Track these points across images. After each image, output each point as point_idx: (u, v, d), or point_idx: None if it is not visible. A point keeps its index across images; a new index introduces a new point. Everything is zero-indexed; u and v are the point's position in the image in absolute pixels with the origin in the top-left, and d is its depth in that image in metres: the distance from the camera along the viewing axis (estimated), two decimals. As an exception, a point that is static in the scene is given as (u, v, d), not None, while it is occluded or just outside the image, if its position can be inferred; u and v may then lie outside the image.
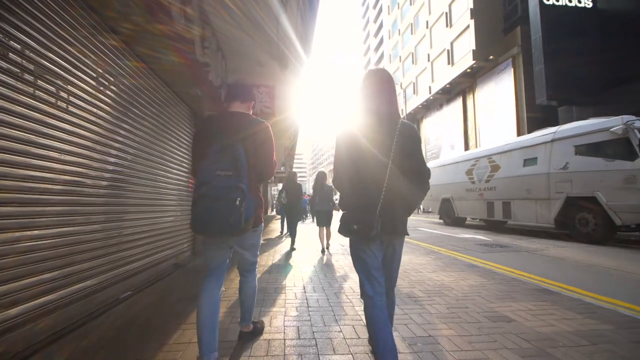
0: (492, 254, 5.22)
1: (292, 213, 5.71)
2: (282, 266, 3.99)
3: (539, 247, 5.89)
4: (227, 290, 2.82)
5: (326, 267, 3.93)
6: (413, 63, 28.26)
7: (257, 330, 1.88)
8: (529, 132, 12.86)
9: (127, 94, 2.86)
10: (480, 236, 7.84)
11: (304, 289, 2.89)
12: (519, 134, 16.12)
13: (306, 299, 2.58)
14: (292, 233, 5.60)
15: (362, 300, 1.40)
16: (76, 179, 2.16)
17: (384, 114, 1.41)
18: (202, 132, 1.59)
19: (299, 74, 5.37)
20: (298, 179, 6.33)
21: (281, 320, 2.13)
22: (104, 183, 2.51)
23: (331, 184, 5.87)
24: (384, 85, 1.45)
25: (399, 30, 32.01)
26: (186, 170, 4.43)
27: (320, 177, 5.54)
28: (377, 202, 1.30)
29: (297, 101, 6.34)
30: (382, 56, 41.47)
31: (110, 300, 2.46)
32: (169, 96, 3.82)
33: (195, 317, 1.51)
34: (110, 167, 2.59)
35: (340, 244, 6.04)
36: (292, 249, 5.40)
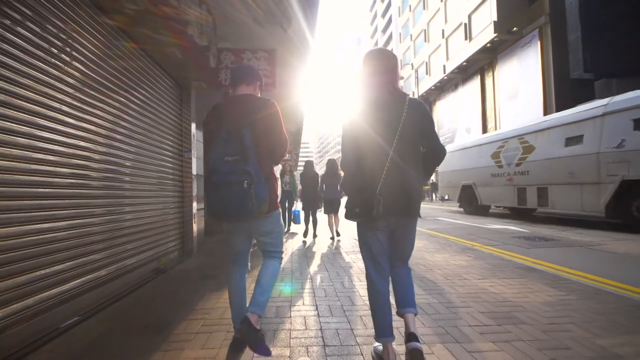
0: (538, 249, 4.33)
1: (310, 203, 5.49)
2: (287, 272, 3.23)
3: (593, 241, 4.94)
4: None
5: (343, 271, 3.15)
6: (425, 41, 26.41)
7: (256, 337, 1.38)
8: (559, 111, 11.45)
9: (89, 58, 2.05)
10: (513, 227, 6.91)
11: (317, 309, 2.11)
12: (546, 113, 14.67)
13: (321, 329, 1.80)
14: (313, 221, 5.53)
15: (366, 282, 1.47)
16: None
17: (386, 94, 1.37)
18: (211, 121, 1.52)
19: (303, 58, 4.76)
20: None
21: (283, 376, 1.36)
22: (45, 169, 1.76)
23: (340, 172, 5.31)
24: (384, 61, 1.39)
25: (410, 7, 29.92)
26: (171, 154, 3.66)
27: (332, 165, 5.42)
28: (377, 183, 1.30)
29: (301, 79, 5.79)
30: (390, 37, 39.39)
31: (44, 332, 1.75)
32: (142, 61, 3.00)
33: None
34: (65, 151, 1.83)
35: (354, 239, 5.27)
36: (315, 235, 5.51)
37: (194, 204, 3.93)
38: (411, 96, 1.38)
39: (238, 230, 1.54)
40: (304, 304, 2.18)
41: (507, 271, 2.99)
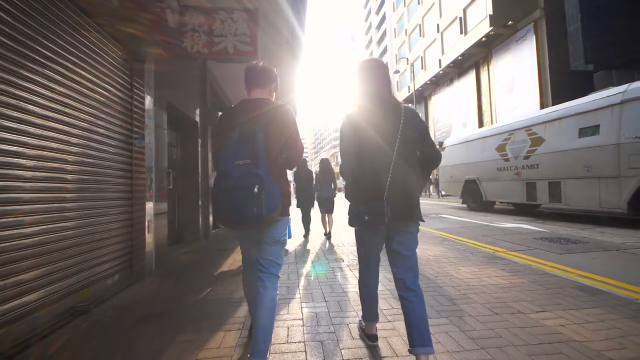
0: (574, 255, 3.64)
1: (305, 200, 5.38)
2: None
3: (625, 242, 4.32)
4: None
5: (346, 302, 2.31)
6: (421, 35, 25.84)
7: None
8: (555, 104, 10.82)
9: None
10: (526, 225, 6.27)
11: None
12: (543, 106, 14.30)
13: None
14: (306, 220, 5.44)
15: (358, 278, 1.58)
16: None
17: (384, 100, 1.39)
18: (223, 123, 1.47)
19: (294, 53, 4.63)
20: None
21: None
22: None
23: (333, 171, 4.47)
24: (379, 70, 1.43)
25: (404, 2, 29.32)
26: (116, 141, 2.74)
27: (325, 164, 5.45)
28: (383, 190, 1.29)
29: (293, 76, 5.71)
30: (384, 34, 38.87)
31: None
32: (65, 12, 2.07)
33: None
34: None
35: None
36: (308, 233, 5.40)
37: (149, 206, 3.00)
38: (405, 105, 1.38)
39: (249, 238, 1.49)
40: (294, 351, 1.32)
41: (566, 295, 2.23)
